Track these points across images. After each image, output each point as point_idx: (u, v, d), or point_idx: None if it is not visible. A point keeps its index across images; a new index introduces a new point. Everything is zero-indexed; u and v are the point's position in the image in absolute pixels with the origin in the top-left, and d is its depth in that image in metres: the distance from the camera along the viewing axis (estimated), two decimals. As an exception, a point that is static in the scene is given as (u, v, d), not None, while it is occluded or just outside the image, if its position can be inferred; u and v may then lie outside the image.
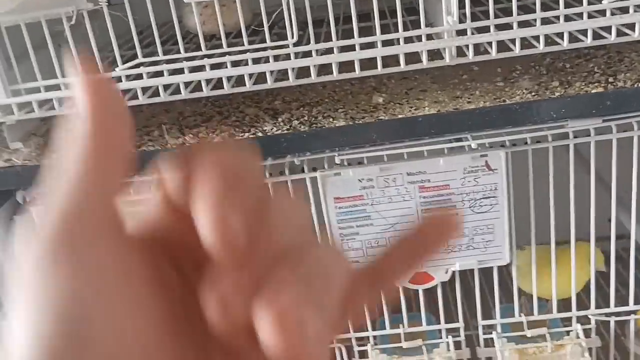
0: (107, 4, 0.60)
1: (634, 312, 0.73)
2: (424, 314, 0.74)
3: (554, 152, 0.66)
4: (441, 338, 0.75)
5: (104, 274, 0.20)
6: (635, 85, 0.62)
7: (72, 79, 0.21)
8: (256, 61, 0.63)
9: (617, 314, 0.74)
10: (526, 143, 0.66)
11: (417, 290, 0.72)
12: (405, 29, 0.64)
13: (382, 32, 0.62)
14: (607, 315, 0.73)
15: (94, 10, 0.61)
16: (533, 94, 0.64)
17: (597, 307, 0.72)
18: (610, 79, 0.65)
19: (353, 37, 0.61)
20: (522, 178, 0.68)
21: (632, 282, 0.72)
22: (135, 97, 0.63)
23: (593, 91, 0.62)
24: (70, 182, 0.20)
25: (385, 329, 0.76)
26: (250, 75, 0.63)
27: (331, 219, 0.68)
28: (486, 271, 0.73)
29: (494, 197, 0.67)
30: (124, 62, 0.63)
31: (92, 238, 0.20)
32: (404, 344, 0.74)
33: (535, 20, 0.60)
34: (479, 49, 0.62)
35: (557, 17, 0.60)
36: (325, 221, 0.69)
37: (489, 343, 0.75)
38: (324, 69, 0.64)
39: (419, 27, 0.61)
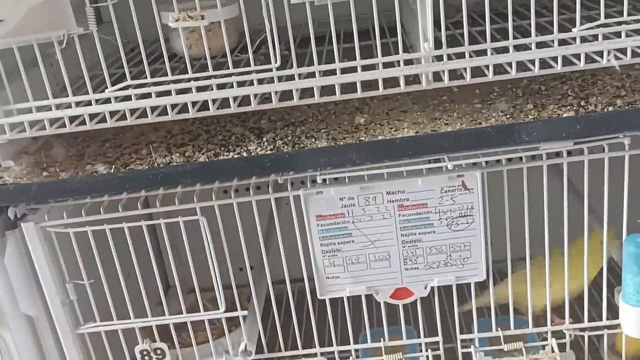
0: (96, 28, 0.62)
1: (607, 327, 0.75)
2: (405, 328, 0.76)
3: (528, 172, 0.69)
4: (421, 352, 0.77)
5: None
6: (605, 109, 0.65)
7: None
8: (241, 84, 0.65)
9: (591, 329, 0.76)
10: (501, 163, 0.68)
11: (398, 304, 0.74)
12: (386, 50, 0.67)
13: (364, 53, 0.64)
14: (581, 330, 0.75)
15: (84, 33, 0.63)
16: (508, 116, 0.67)
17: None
18: (582, 102, 0.67)
19: (334, 59, 0.64)
20: (498, 196, 0.71)
21: (605, 298, 0.74)
22: (123, 117, 0.65)
23: (565, 115, 0.64)
24: None
25: (367, 342, 0.78)
26: (235, 98, 0.65)
27: (313, 236, 0.70)
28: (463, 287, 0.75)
29: (470, 215, 0.69)
30: (112, 81, 0.65)
31: None
32: (385, 357, 0.76)
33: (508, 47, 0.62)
34: (455, 73, 0.65)
35: (529, 44, 0.63)
36: (308, 238, 0.71)
37: (468, 356, 0.77)
38: (307, 91, 0.66)
39: (404, 50, 0.64)
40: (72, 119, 0.66)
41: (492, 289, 0.75)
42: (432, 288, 0.73)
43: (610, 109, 0.65)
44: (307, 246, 0.72)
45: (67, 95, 0.65)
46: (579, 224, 0.71)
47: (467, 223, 0.69)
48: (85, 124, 0.65)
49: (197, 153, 0.69)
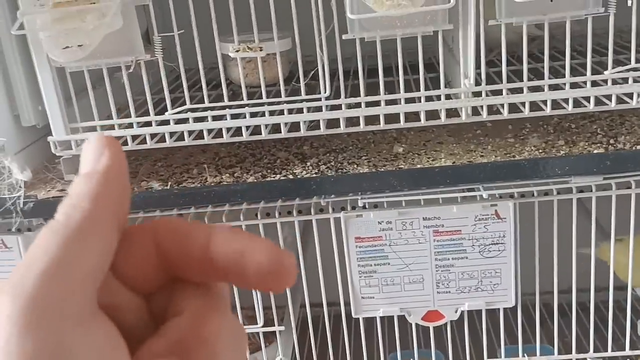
0: (162, 55, 0.68)
1: (629, 357, 0.78)
2: (434, 351, 0.80)
3: (559, 204, 0.72)
4: (449, 374, 0.80)
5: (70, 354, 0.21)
6: (634, 148, 0.68)
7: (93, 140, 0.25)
8: (291, 111, 0.70)
9: (614, 358, 0.78)
10: (533, 195, 0.72)
11: (428, 327, 0.78)
12: (425, 86, 0.71)
13: (405, 88, 0.69)
14: (604, 359, 0.78)
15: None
16: (540, 151, 0.71)
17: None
18: (612, 141, 0.71)
19: (379, 90, 0.69)
20: (529, 227, 0.74)
21: (629, 327, 0.77)
22: (181, 138, 0.70)
23: (595, 151, 0.68)
24: (59, 247, 0.22)
25: (396, 362, 0.81)
26: (286, 124, 0.69)
27: (351, 257, 0.74)
28: (493, 312, 0.79)
29: (502, 243, 0.73)
30: (171, 104, 0.70)
31: (65, 314, 0.21)
32: (414, 378, 0.79)
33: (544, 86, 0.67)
34: (492, 108, 0.69)
35: (564, 83, 0.67)
36: (346, 259, 0.75)
37: (494, 381, 0.79)
38: (352, 120, 0.71)
39: (438, 84, 0.68)
40: (134, 137, 0.70)
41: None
42: (463, 312, 0.76)
43: (638, 147, 0.69)
44: (344, 268, 0.76)
45: (128, 115, 0.70)
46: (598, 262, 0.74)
47: (499, 250, 0.73)
48: (146, 143, 0.70)
49: (245, 174, 0.73)
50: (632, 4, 0.63)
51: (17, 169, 0.70)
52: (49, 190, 0.73)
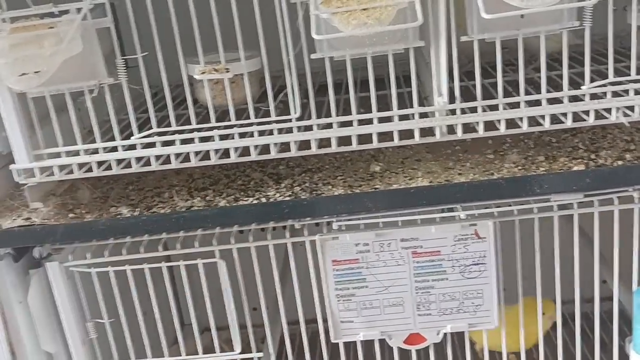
0: (126, 78, 0.65)
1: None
2: (417, 373, 0.77)
3: (540, 221, 0.70)
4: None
5: None
6: (615, 164, 0.66)
7: None
8: (261, 133, 0.68)
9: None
10: (513, 212, 0.70)
11: (410, 350, 0.75)
12: (401, 99, 0.69)
13: (379, 102, 0.66)
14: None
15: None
16: (520, 167, 0.69)
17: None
18: (592, 156, 0.69)
19: (350, 108, 0.66)
20: (511, 243, 0.72)
21: (616, 346, 0.75)
22: (148, 163, 0.68)
23: (575, 168, 0.66)
24: None
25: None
26: (256, 146, 0.67)
27: (328, 280, 0.72)
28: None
29: (482, 263, 0.70)
30: (138, 125, 0.68)
31: None
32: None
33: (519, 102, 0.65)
34: (468, 126, 0.67)
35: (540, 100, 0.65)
36: (323, 282, 0.72)
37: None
38: (325, 140, 0.69)
39: (418, 99, 0.66)
40: (100, 163, 0.68)
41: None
42: (445, 334, 0.74)
43: (620, 162, 0.66)
44: (321, 289, 0.73)
45: (93, 140, 0.68)
46: (589, 272, 0.72)
47: (480, 271, 0.71)
48: (112, 169, 0.68)
49: (217, 197, 0.71)
50: (610, 15, 0.61)
51: (-20, 198, 0.68)
52: (15, 219, 0.71)
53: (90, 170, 0.68)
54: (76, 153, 0.69)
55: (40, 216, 0.70)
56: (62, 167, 0.69)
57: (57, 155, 0.68)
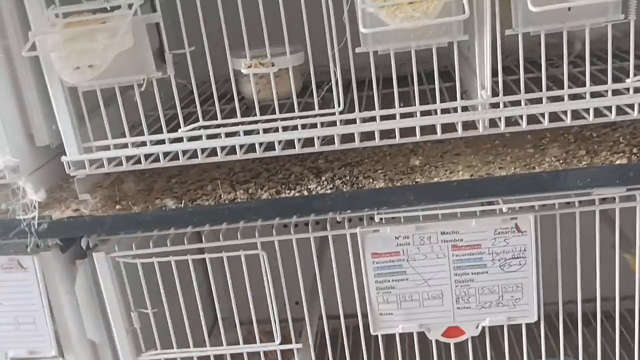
0: (174, 73, 0.67)
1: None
2: (455, 366, 0.78)
3: (581, 215, 0.70)
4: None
5: None
6: (658, 157, 0.66)
7: None
8: (305, 126, 0.69)
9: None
10: (554, 206, 0.70)
11: (449, 343, 0.76)
12: (441, 95, 0.70)
13: (420, 98, 0.67)
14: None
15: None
16: (561, 161, 0.69)
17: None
18: (635, 150, 0.69)
19: (393, 101, 0.67)
20: (551, 237, 0.72)
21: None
22: (194, 156, 0.69)
23: (617, 162, 0.66)
24: None
25: (416, 379, 0.79)
26: (299, 139, 0.68)
27: (368, 273, 0.73)
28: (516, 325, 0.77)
29: (523, 257, 0.71)
30: (185, 119, 0.69)
31: None
32: (435, 395, 0.77)
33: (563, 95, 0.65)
34: (510, 119, 0.67)
35: (584, 93, 0.65)
36: (363, 275, 0.73)
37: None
38: (366, 133, 0.70)
39: (455, 94, 0.67)
40: (147, 156, 0.70)
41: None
42: (484, 327, 0.74)
43: (663, 156, 0.66)
44: (361, 282, 0.74)
45: (139, 134, 0.69)
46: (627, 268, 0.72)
47: (520, 265, 0.71)
48: (159, 161, 0.69)
49: (259, 190, 0.72)
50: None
51: (32, 190, 0.70)
52: (64, 210, 0.72)
53: (138, 162, 0.70)
54: (124, 146, 0.70)
55: (88, 207, 0.72)
56: (110, 160, 0.71)
57: (106, 147, 0.70)
